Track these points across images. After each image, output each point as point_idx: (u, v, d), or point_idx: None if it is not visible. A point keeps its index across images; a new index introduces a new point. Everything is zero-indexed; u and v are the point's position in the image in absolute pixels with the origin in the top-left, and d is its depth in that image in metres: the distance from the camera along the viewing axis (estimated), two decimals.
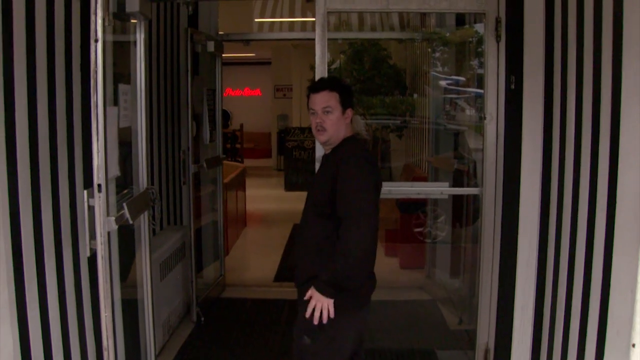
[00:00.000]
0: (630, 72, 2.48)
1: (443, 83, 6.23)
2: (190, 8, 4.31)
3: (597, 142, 2.77)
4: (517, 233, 3.58)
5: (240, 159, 15.29)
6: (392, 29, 7.74)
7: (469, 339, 4.52)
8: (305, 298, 2.86)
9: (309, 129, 10.75)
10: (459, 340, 4.70)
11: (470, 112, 5.88)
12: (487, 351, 3.88)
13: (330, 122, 3.01)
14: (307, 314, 2.83)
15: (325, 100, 3.02)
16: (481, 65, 5.54)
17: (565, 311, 3.10)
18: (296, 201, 9.51)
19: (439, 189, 4.09)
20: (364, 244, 2.79)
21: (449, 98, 6.24)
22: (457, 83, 6.08)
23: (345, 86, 3.12)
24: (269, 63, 16.62)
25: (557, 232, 3.24)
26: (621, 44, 2.55)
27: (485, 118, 3.70)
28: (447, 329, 4.91)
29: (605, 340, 2.71)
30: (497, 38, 3.64)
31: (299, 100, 14.56)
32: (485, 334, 3.88)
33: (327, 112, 3.01)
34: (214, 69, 5.59)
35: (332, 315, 2.80)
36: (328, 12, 3.69)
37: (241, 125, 16.46)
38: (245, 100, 19.00)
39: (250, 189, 9.62)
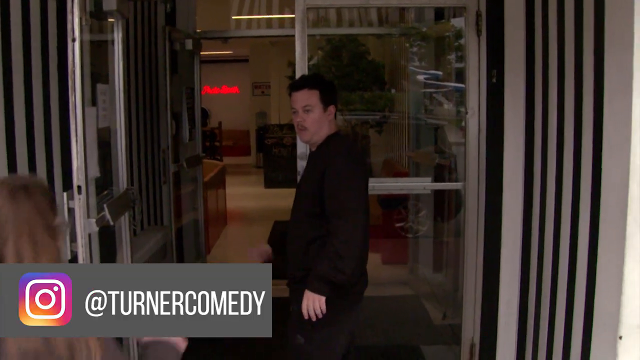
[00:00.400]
0: (612, 65, 2.48)
1: (422, 78, 6.23)
2: (168, 6, 4.26)
3: (580, 135, 2.77)
4: (500, 227, 3.59)
5: (219, 157, 15.20)
6: (370, 24, 7.72)
7: (454, 334, 4.53)
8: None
9: (288, 125, 10.72)
10: (444, 335, 4.70)
11: (448, 106, 5.89)
12: (472, 346, 3.88)
13: (310, 121, 3.00)
14: (304, 314, 2.82)
15: (305, 98, 3.00)
16: (459, 59, 5.56)
17: (550, 305, 3.10)
18: (276, 198, 9.56)
19: (422, 184, 4.09)
20: (353, 241, 2.79)
21: (428, 93, 6.24)
22: (436, 78, 6.09)
23: (327, 83, 3.11)
24: (247, 60, 16.54)
25: (541, 226, 3.24)
26: (603, 36, 2.54)
27: (467, 112, 3.70)
28: (432, 324, 4.92)
29: (591, 333, 2.71)
30: (478, 32, 3.64)
31: (277, 98, 14.53)
32: (471, 328, 3.88)
33: (307, 110, 3.00)
34: (192, 67, 5.53)
35: (324, 311, 2.79)
36: (308, 8, 3.65)
37: (220, 123, 16.36)
38: (223, 98, 18.87)
39: (230, 187, 9.57)
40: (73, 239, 2.81)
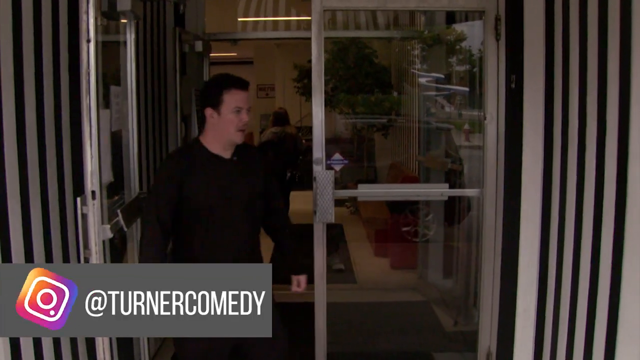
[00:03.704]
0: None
1: (430, 81, 6.17)
2: (182, 7, 4.21)
3: (603, 142, 2.72)
4: (518, 234, 3.52)
5: None
6: (376, 27, 7.66)
7: (466, 341, 4.46)
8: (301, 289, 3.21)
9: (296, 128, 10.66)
10: (456, 343, 4.64)
11: (452, 109, 5.85)
12: (489, 354, 3.82)
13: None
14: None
15: (248, 99, 3.00)
16: (467, 62, 5.52)
17: (570, 314, 3.05)
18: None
19: (439, 191, 4.02)
20: None
21: (436, 96, 6.19)
22: (439, 80, 6.04)
23: None
24: (251, 62, 16.47)
25: (560, 234, 3.19)
26: (630, 42, 2.50)
27: (485, 118, 3.64)
28: (443, 331, 4.85)
29: (615, 345, 2.66)
30: (497, 36, 3.58)
31: (282, 100, 14.45)
32: (487, 337, 3.83)
33: (247, 111, 2.98)
34: (201, 69, 5.47)
35: None
36: (324, 10, 3.58)
37: None
38: None
39: None
40: (86, 245, 2.76)
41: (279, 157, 7.78)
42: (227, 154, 3.01)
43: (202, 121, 3.03)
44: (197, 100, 5.29)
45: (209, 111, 2.96)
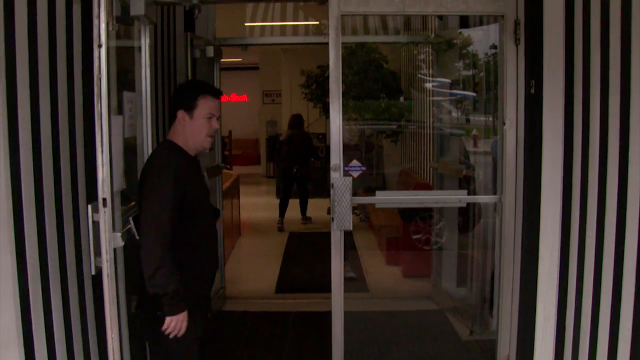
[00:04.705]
0: None
1: (443, 87, 6.13)
2: (197, 12, 4.17)
3: (626, 149, 2.67)
4: (537, 242, 3.46)
5: (229, 167, 15.09)
6: (385, 31, 7.63)
7: (482, 350, 4.40)
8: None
9: None
10: (472, 352, 4.57)
11: (461, 115, 5.81)
12: None
13: None
14: None
15: (220, 107, 3.05)
16: (469, 67, 5.48)
17: (592, 323, 2.99)
18: (289, 209, 9.44)
19: (457, 197, 3.96)
20: None
21: (448, 101, 6.14)
22: (454, 85, 5.99)
23: None
24: (256, 68, 16.47)
25: (581, 241, 3.13)
26: None
27: (504, 123, 3.59)
28: (459, 340, 4.78)
29: (639, 354, 2.61)
30: (516, 41, 3.53)
31: (289, 106, 14.42)
32: (507, 345, 3.77)
33: (218, 119, 3.04)
34: (211, 75, 5.44)
35: None
36: (342, 15, 3.54)
37: (230, 132, 16.29)
38: (232, 106, 18.80)
39: (242, 197, 9.44)
40: (97, 253, 2.71)
41: (288, 155, 9.50)
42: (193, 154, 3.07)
43: (171, 122, 3.00)
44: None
45: (181, 113, 2.96)
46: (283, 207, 9.46)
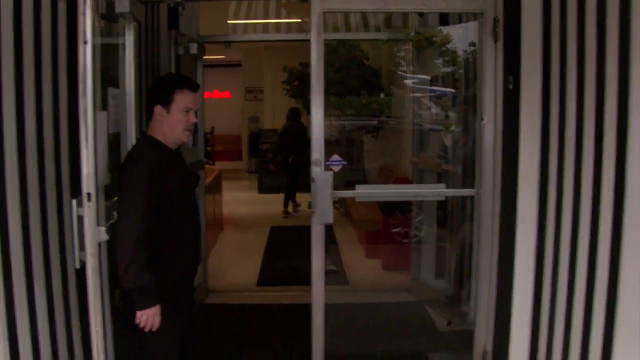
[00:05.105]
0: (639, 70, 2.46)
1: (421, 83, 6.19)
2: (180, 9, 4.19)
3: (600, 143, 2.74)
4: (514, 234, 3.53)
5: (211, 162, 15.06)
6: (366, 29, 7.68)
7: (461, 340, 4.47)
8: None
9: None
10: (450, 342, 4.65)
11: (438, 111, 5.88)
12: (485, 353, 3.83)
13: None
14: None
15: (197, 100, 3.04)
16: (448, 64, 5.55)
17: (566, 311, 3.06)
18: (271, 204, 9.51)
19: (437, 191, 4.02)
20: None
21: (427, 97, 6.20)
22: (427, 82, 6.05)
23: None
24: (239, 65, 16.45)
25: (556, 233, 3.20)
26: (628, 39, 2.52)
27: (482, 119, 3.65)
28: (437, 330, 4.86)
29: (612, 342, 2.68)
30: (495, 38, 3.58)
31: (270, 103, 14.46)
32: (483, 336, 3.83)
33: (195, 113, 3.02)
34: (195, 72, 5.46)
35: None
36: (324, 12, 3.58)
37: (212, 128, 16.26)
38: (215, 102, 18.77)
39: (224, 192, 9.49)
40: (82, 247, 2.75)
41: (284, 145, 10.12)
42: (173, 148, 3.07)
43: (148, 117, 3.02)
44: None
45: (158, 109, 2.95)
46: (287, 197, 10.07)
